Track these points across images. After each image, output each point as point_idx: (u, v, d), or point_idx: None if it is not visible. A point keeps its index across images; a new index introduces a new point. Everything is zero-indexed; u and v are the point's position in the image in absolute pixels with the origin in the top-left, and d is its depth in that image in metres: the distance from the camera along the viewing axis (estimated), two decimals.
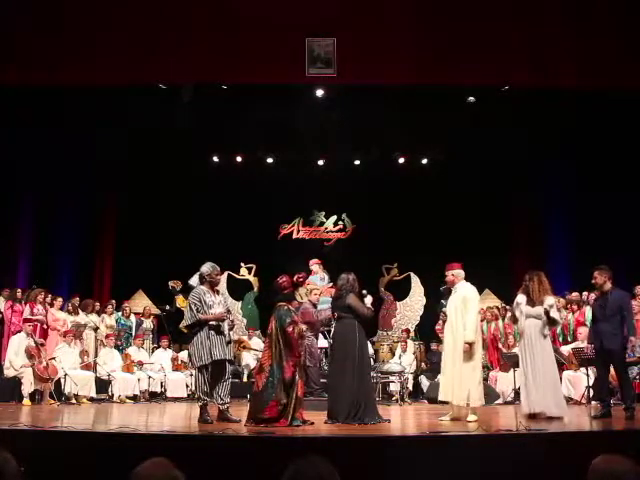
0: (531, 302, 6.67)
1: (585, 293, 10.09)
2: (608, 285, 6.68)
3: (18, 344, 9.06)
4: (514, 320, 6.88)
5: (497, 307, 11.53)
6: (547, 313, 6.56)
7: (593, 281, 6.80)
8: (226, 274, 13.17)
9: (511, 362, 9.01)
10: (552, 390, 6.51)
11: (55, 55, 7.62)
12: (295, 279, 6.66)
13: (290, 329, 5.81)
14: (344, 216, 14.26)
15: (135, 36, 7.58)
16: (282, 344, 5.81)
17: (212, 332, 6.04)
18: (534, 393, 6.45)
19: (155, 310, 11.96)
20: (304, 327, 6.06)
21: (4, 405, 8.10)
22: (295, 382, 5.81)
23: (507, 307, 10.45)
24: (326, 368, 8.91)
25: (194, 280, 6.33)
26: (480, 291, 7.31)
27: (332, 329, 7.15)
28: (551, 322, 6.67)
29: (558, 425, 5.89)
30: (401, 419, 7.26)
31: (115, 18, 7.59)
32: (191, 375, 10.51)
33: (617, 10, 7.69)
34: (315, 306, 8.26)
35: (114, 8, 7.60)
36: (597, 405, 7.38)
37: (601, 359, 6.78)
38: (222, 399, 6.12)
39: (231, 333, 6.32)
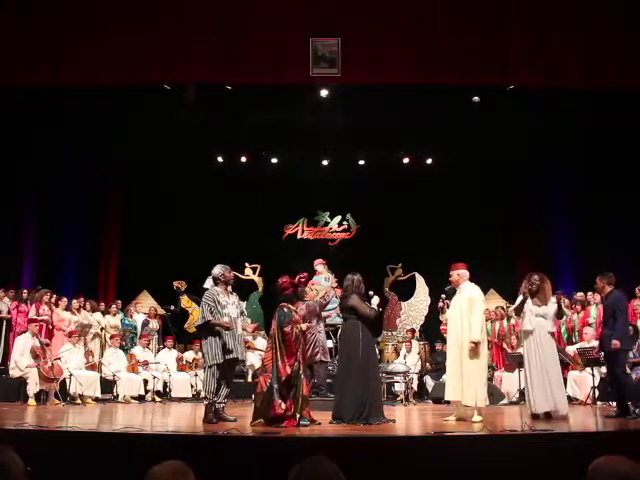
0: (538, 302, 6.71)
1: (590, 293, 10.07)
2: (607, 289, 6.85)
3: (23, 344, 9.08)
4: (518, 312, 6.93)
5: (502, 307, 11.51)
6: (560, 306, 6.92)
7: (595, 286, 7.11)
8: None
9: (516, 362, 8.99)
10: (558, 389, 6.56)
11: (57, 56, 7.64)
12: (297, 280, 6.68)
13: (288, 329, 5.83)
14: (348, 216, 14.26)
15: (138, 36, 7.58)
16: (280, 344, 5.84)
17: (225, 331, 6.09)
18: (543, 392, 6.46)
19: (160, 310, 11.98)
20: (304, 327, 6.09)
21: (9, 405, 8.11)
22: (298, 381, 5.81)
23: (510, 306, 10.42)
24: (330, 368, 8.93)
25: (208, 283, 6.42)
26: (485, 291, 7.33)
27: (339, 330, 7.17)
28: (560, 314, 6.97)
29: (563, 425, 5.87)
30: (406, 419, 7.24)
31: (117, 18, 7.59)
32: (196, 375, 10.52)
33: (618, 10, 7.68)
34: None
35: (116, 8, 7.61)
36: (604, 405, 7.40)
37: (607, 361, 6.96)
38: (221, 399, 6.21)
39: (244, 333, 6.40)
